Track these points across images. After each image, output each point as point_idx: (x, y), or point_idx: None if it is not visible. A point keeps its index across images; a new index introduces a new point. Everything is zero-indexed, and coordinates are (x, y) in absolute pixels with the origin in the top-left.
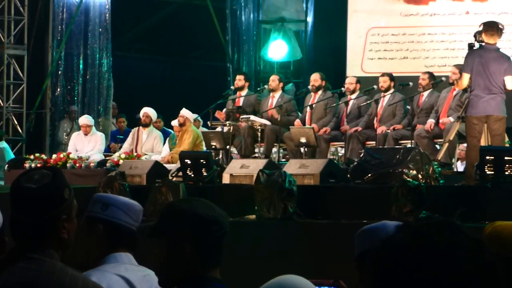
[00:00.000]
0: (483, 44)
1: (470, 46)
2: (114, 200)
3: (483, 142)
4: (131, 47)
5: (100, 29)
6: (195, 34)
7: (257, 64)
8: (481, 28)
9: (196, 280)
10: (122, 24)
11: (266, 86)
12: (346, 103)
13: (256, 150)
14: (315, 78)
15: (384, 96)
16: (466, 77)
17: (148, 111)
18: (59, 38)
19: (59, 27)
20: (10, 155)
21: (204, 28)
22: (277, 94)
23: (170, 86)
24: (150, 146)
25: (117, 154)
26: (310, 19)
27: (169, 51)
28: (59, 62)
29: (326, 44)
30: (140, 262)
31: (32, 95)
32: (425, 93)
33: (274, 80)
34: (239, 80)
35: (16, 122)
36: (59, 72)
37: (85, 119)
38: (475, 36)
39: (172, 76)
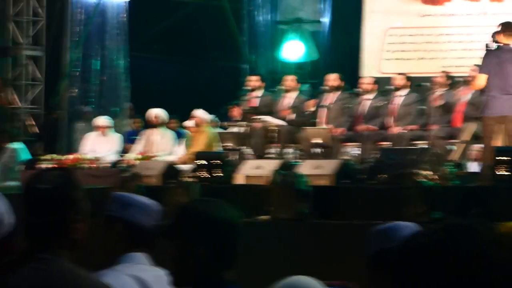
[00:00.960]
0: (500, 44)
1: (488, 46)
2: (133, 200)
3: (500, 143)
4: (148, 48)
5: (118, 30)
6: (211, 35)
7: (274, 65)
8: (499, 29)
9: (209, 282)
10: (139, 25)
11: (282, 87)
12: (362, 103)
13: (271, 150)
14: (334, 78)
15: (399, 95)
16: (482, 78)
17: (157, 112)
18: (77, 39)
19: (77, 28)
20: (27, 155)
21: (220, 29)
22: (293, 94)
23: (186, 87)
24: (163, 146)
25: (131, 155)
26: (326, 19)
27: (185, 52)
28: (77, 63)
29: (343, 45)
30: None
31: (49, 96)
32: (440, 93)
33: (292, 80)
34: (256, 80)
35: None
36: (77, 73)
37: (103, 120)
38: (492, 36)
39: (188, 77)
